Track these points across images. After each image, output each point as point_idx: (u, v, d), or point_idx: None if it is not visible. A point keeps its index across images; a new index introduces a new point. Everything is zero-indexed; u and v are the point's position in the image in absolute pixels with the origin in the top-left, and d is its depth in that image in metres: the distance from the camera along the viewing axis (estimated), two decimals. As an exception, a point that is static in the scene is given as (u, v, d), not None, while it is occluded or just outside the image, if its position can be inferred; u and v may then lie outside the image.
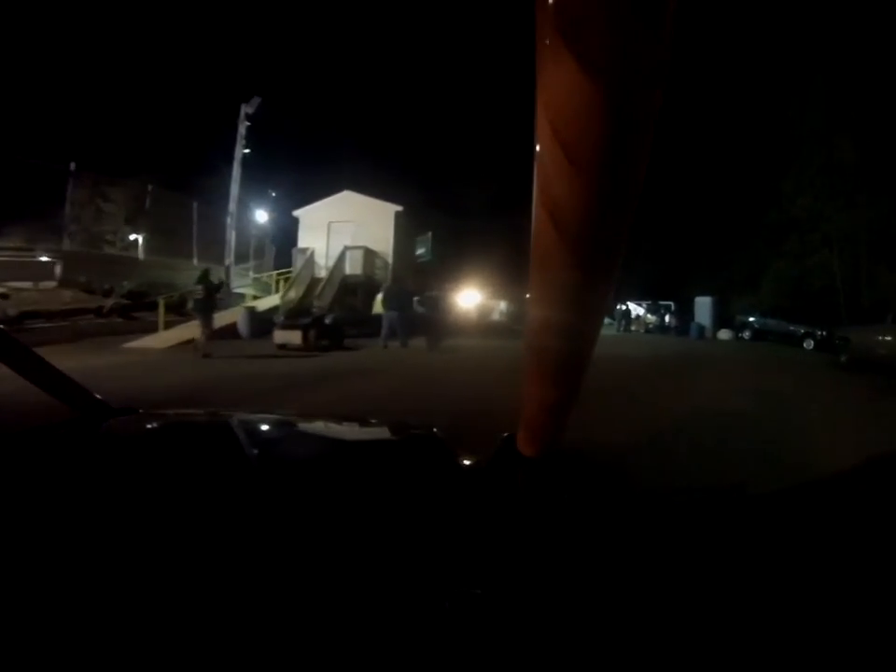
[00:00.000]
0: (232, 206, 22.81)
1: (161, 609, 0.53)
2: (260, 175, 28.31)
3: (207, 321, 11.75)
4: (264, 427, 1.41)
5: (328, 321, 13.70)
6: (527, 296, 0.67)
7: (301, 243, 23.27)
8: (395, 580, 0.61)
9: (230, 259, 22.42)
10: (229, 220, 22.77)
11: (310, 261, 21.59)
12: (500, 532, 0.77)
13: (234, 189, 22.73)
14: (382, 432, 1.50)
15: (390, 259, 22.33)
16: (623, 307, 31.87)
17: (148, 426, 1.32)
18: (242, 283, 23.67)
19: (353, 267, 21.21)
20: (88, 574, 0.59)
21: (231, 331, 14.73)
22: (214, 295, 12.70)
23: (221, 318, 14.28)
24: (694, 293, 29.75)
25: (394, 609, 0.56)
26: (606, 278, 0.58)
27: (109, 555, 0.62)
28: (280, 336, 12.25)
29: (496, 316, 42.48)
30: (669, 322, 30.21)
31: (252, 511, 0.78)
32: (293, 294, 19.46)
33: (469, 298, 43.47)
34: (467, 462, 1.12)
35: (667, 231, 45.67)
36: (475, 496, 0.91)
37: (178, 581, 0.58)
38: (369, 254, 21.49)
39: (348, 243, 21.63)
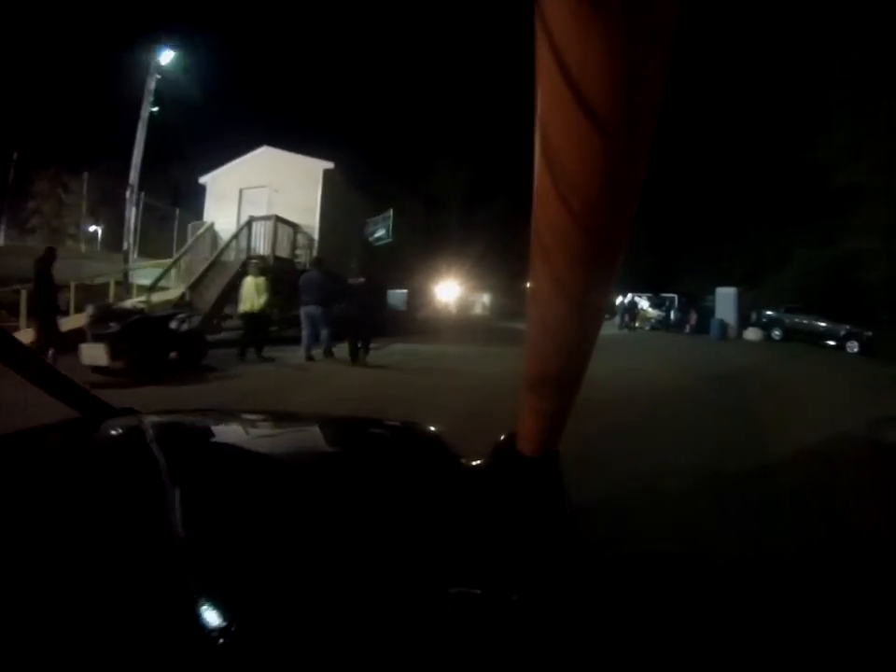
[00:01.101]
0: (134, 177, 17.63)
1: (161, 604, 0.54)
2: (179, 141, 22.81)
3: (42, 324, 8.06)
4: (264, 427, 1.42)
5: (176, 325, 8.51)
6: (528, 289, 0.66)
7: (208, 217, 17.22)
8: (396, 579, 0.63)
9: (128, 242, 17.35)
10: (128, 194, 17.59)
11: (206, 240, 15.76)
12: (500, 531, 0.79)
13: (137, 156, 17.55)
14: (383, 432, 1.45)
15: (316, 235, 16.65)
16: (626, 299, 27.16)
17: (149, 426, 1.27)
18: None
19: (264, 245, 14.67)
20: (85, 572, 0.60)
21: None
22: (49, 286, 8.28)
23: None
24: (690, 285, 25.74)
25: (395, 609, 0.57)
26: (613, 258, 0.57)
27: (109, 553, 0.64)
28: (87, 353, 7.23)
29: (477, 311, 39.59)
30: (674, 318, 25.80)
31: (251, 510, 0.79)
32: (175, 289, 13.63)
33: (446, 290, 39.75)
34: (467, 462, 1.10)
35: (661, 214, 42.63)
36: (475, 495, 0.94)
37: (177, 578, 0.59)
38: (284, 227, 15.22)
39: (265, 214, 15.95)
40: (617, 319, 26.85)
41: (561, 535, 0.80)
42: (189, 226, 17.41)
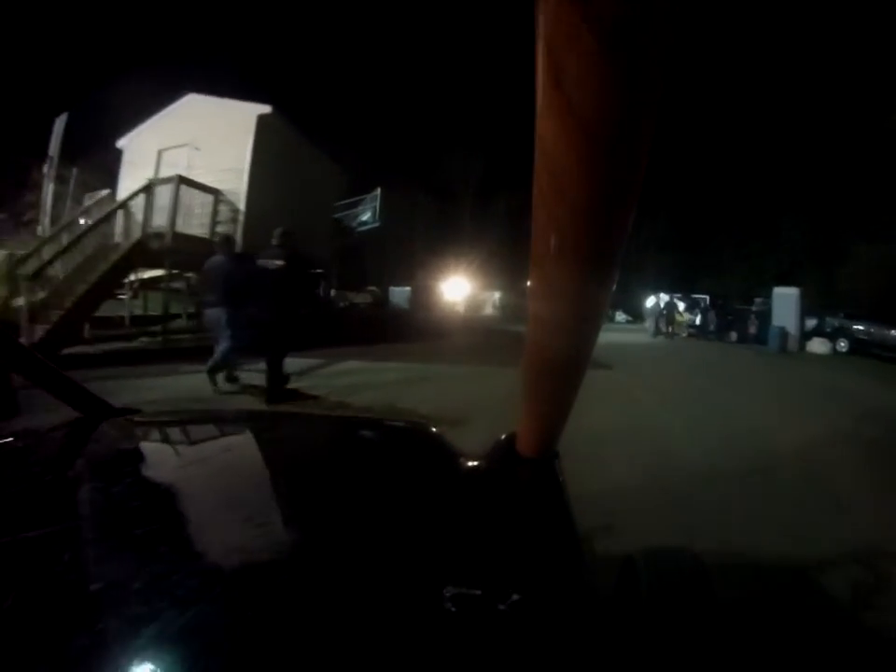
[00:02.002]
0: (54, 149, 14.11)
1: (162, 602, 0.55)
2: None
3: None
4: (264, 425, 1.40)
5: None
6: (528, 288, 0.66)
7: (123, 188, 12.33)
8: (395, 578, 0.63)
9: (42, 224, 13.79)
10: (46, 169, 14.08)
11: (97, 213, 10.73)
12: (500, 531, 0.79)
13: (58, 128, 14.03)
14: (385, 430, 1.45)
15: (242, 204, 11.73)
16: (660, 300, 23.01)
17: (149, 425, 1.30)
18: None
19: (164, 216, 10.16)
20: (85, 569, 0.61)
21: None
22: None
23: None
24: (714, 285, 21.97)
25: (395, 608, 0.58)
26: (611, 259, 0.57)
27: (107, 551, 0.65)
28: None
29: (488, 311, 36.27)
30: (713, 322, 21.73)
31: (249, 509, 0.79)
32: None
33: (454, 288, 36.29)
34: (467, 461, 1.10)
35: (684, 207, 38.98)
36: (476, 493, 0.94)
37: (176, 576, 0.59)
38: (200, 194, 11.02)
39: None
40: (648, 324, 22.84)
41: (561, 535, 0.81)
42: (87, 197, 13.27)
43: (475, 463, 1.07)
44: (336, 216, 18.09)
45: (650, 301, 23.90)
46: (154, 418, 1.32)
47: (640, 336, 21.33)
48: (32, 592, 0.56)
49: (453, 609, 0.57)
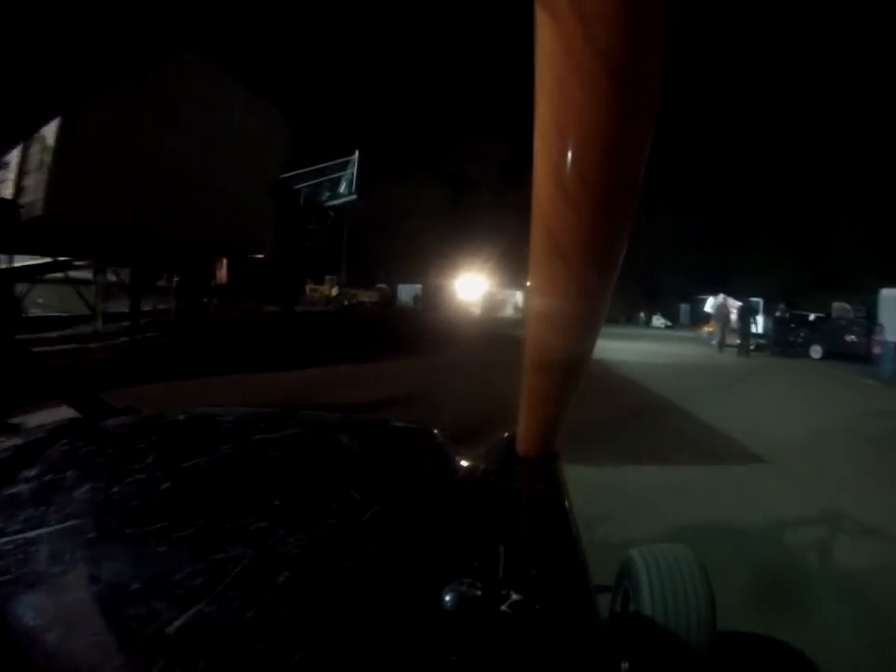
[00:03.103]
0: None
1: (160, 602, 0.56)
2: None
3: None
4: (259, 424, 1.37)
5: None
6: (527, 287, 0.67)
7: None
8: (394, 579, 0.64)
9: None
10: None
11: None
12: (500, 531, 0.80)
13: None
14: (379, 430, 1.43)
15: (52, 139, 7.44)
16: (728, 302, 18.28)
17: (148, 425, 1.30)
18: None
19: None
20: (85, 569, 0.62)
21: None
22: None
23: None
24: (751, 287, 19.31)
25: (394, 609, 0.59)
26: (611, 262, 0.58)
27: (106, 551, 0.66)
28: None
29: (508, 311, 32.49)
30: (784, 334, 17.27)
31: (247, 509, 0.79)
32: None
33: (470, 286, 32.48)
34: (466, 461, 1.10)
35: (717, 199, 35.29)
36: (472, 494, 0.94)
37: (174, 577, 0.60)
38: None
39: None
40: (711, 334, 18.56)
41: (561, 535, 0.81)
42: None
43: (475, 463, 1.07)
44: (300, 187, 14.26)
45: (710, 304, 19.53)
46: (154, 419, 1.32)
47: (699, 349, 17.13)
48: (32, 592, 0.58)
49: (453, 610, 0.58)
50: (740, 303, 17.56)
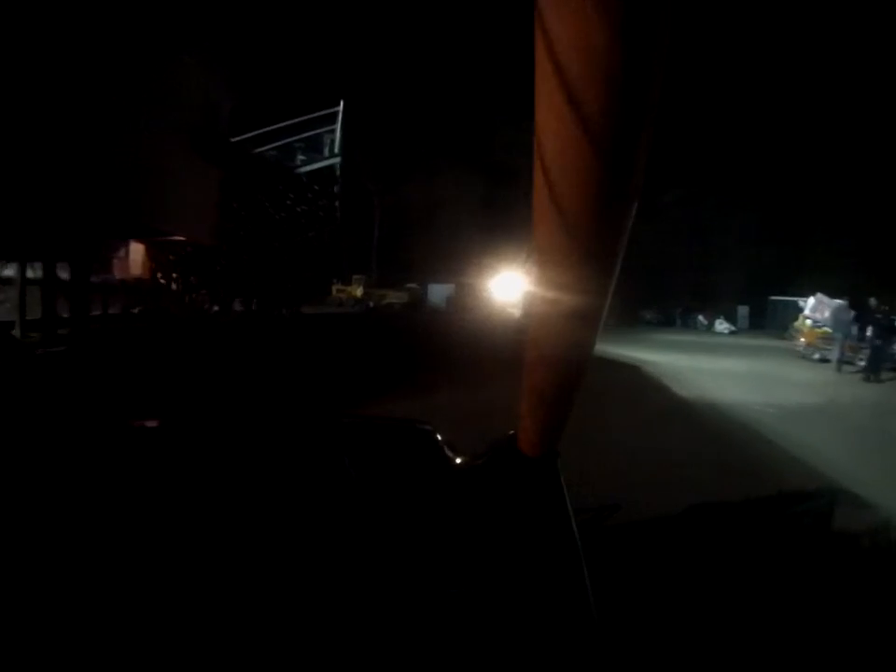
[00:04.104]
0: None
1: (163, 602, 0.57)
2: None
3: None
4: (256, 425, 1.40)
5: None
6: (529, 287, 0.68)
7: None
8: (394, 579, 0.64)
9: None
10: None
11: None
12: (499, 532, 0.80)
13: None
14: (375, 430, 1.44)
15: None
16: (842, 309, 14.35)
17: (147, 426, 1.30)
18: None
19: None
20: (84, 569, 0.63)
21: None
22: None
23: None
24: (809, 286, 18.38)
25: (389, 606, 0.59)
26: (610, 261, 0.58)
27: (106, 552, 0.66)
28: None
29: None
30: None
31: (247, 509, 0.80)
32: None
33: (507, 286, 29.05)
34: (467, 461, 1.10)
35: (774, 193, 31.55)
36: (469, 495, 0.94)
37: (175, 578, 0.61)
38: None
39: None
40: (805, 346, 14.93)
41: (560, 535, 0.81)
42: None
43: (474, 462, 1.06)
44: (267, 151, 11.20)
45: (811, 306, 15.67)
46: (155, 421, 1.30)
47: (802, 371, 13.33)
48: (33, 592, 0.58)
49: (453, 610, 0.59)
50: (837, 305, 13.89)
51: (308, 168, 11.90)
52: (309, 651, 0.53)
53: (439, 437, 1.21)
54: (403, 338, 14.24)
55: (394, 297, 32.64)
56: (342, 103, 11.58)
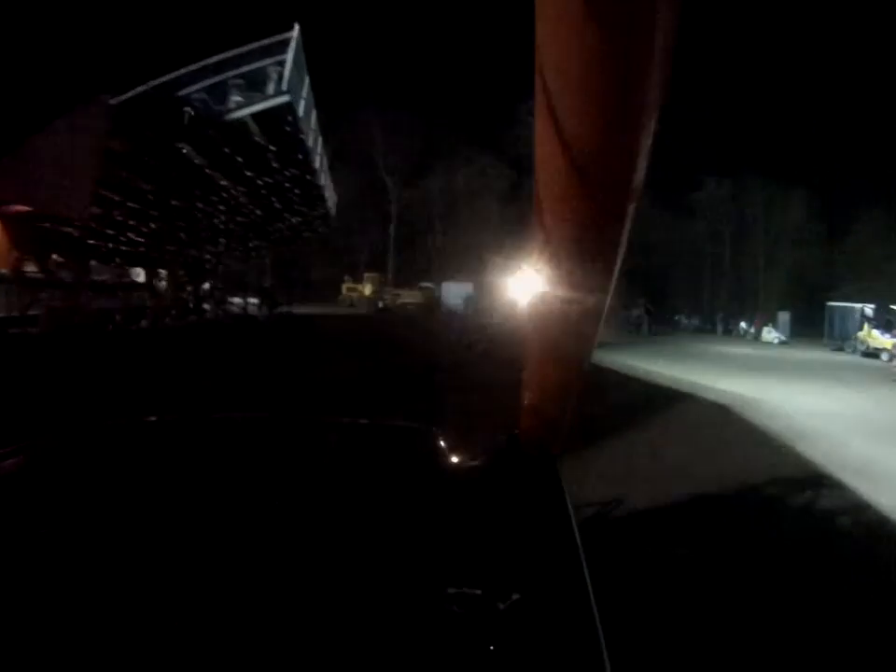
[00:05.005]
0: None
1: (166, 602, 0.58)
2: None
3: None
4: (254, 427, 1.39)
5: None
6: (531, 291, 0.73)
7: None
8: (394, 580, 0.65)
9: None
10: None
11: None
12: (500, 531, 0.81)
13: None
14: (375, 432, 1.44)
15: None
16: None
17: (146, 430, 1.29)
18: None
19: None
20: (84, 569, 0.64)
21: None
22: None
23: None
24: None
25: (389, 607, 0.60)
26: (612, 258, 0.61)
27: (108, 552, 0.67)
28: None
29: (641, 326, 25.18)
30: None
31: (249, 512, 0.81)
32: None
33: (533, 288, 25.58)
34: (467, 462, 1.10)
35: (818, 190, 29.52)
36: (472, 495, 0.95)
37: (175, 579, 0.62)
38: None
39: None
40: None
41: (561, 535, 0.81)
42: None
43: (475, 463, 1.06)
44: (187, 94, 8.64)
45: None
46: (155, 423, 1.28)
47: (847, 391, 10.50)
48: (34, 591, 0.59)
49: (453, 610, 0.59)
50: None
51: (237, 115, 8.90)
52: (309, 650, 0.53)
53: (441, 442, 1.19)
54: (417, 353, 11.40)
55: (408, 296, 30.20)
56: (296, 28, 8.96)
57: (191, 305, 17.96)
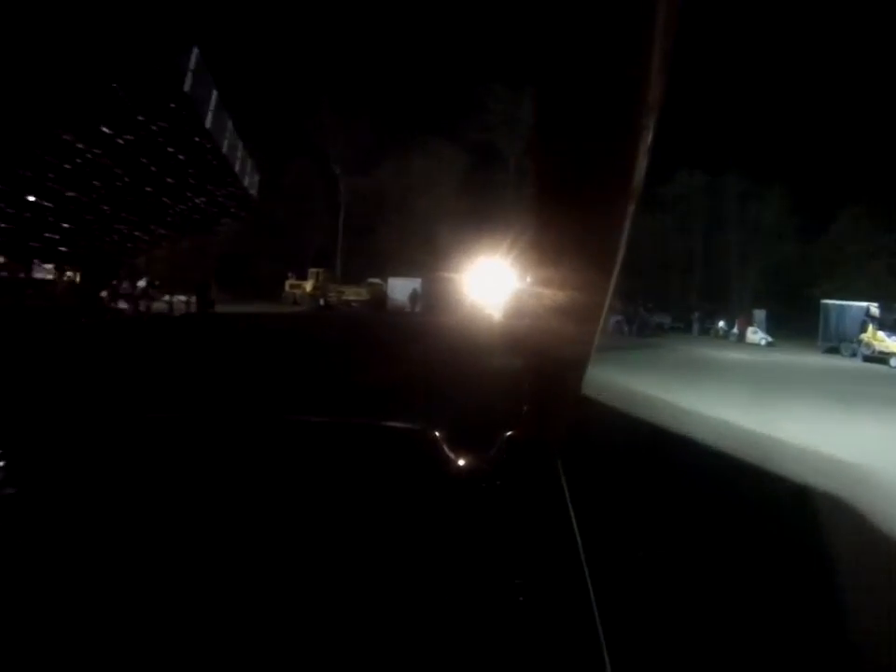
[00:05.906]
0: None
1: (164, 603, 0.58)
2: None
3: None
4: (253, 429, 1.36)
5: None
6: (530, 291, 0.71)
7: None
8: (394, 580, 0.64)
9: None
10: None
11: None
12: (500, 531, 0.80)
13: None
14: (374, 434, 1.38)
15: None
16: None
17: (146, 429, 1.26)
18: None
19: None
20: (83, 569, 0.63)
21: None
22: None
23: None
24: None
25: (390, 609, 0.59)
26: (611, 259, 0.61)
27: (108, 552, 0.66)
28: None
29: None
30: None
31: (246, 515, 0.79)
32: None
33: (492, 285, 21.79)
34: (467, 462, 1.08)
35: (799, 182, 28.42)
36: (472, 496, 0.93)
37: (173, 581, 0.61)
38: None
39: None
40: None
41: (561, 536, 0.81)
42: None
43: (475, 465, 1.06)
44: None
45: None
46: (155, 423, 1.26)
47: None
48: (35, 591, 0.58)
49: (453, 609, 0.59)
50: None
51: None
52: (309, 651, 0.53)
53: (444, 444, 1.17)
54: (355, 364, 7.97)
55: (353, 293, 27.18)
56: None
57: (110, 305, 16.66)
